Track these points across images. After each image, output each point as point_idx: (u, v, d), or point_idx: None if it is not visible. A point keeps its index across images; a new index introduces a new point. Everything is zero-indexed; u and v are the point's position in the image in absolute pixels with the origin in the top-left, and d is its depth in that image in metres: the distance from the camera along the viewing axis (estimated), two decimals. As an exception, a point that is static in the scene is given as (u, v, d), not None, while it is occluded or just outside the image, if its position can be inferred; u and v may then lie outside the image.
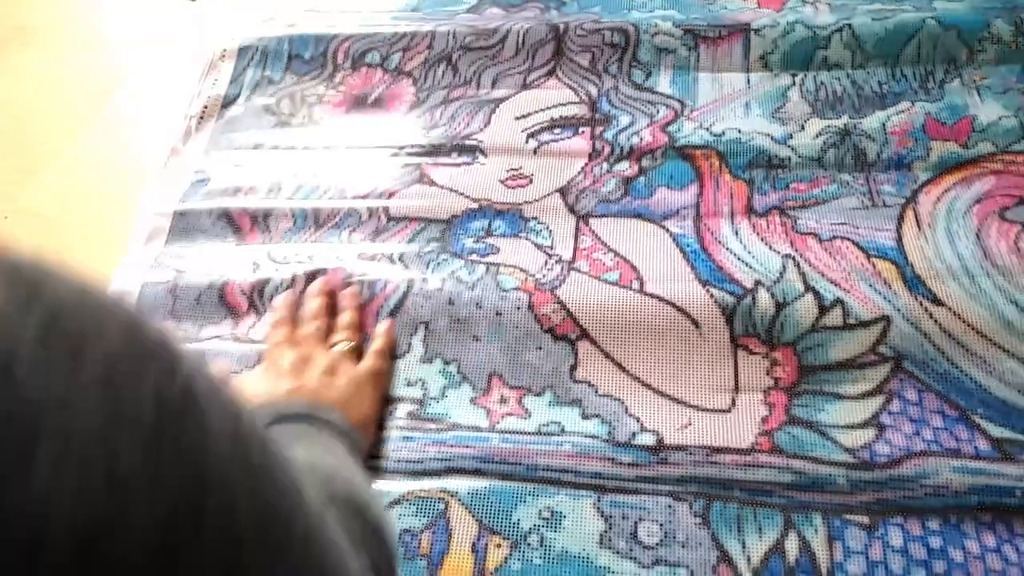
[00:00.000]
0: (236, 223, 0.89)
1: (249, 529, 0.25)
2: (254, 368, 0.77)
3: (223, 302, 0.83)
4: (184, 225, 0.90)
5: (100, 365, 0.22)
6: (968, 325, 0.73)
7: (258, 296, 0.83)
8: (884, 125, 0.90)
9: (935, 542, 0.62)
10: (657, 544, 0.63)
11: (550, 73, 0.99)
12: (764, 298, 0.76)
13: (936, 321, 0.73)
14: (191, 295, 0.84)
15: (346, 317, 0.80)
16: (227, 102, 1.00)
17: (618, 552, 0.63)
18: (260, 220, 0.89)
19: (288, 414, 0.65)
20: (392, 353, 0.78)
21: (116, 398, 0.22)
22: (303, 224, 0.88)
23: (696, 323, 0.75)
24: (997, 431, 0.67)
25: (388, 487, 0.68)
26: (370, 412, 0.72)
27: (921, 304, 0.74)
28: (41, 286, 0.22)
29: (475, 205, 0.87)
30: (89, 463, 0.21)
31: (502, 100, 0.97)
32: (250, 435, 0.27)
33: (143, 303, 0.84)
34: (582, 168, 0.90)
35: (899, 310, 0.74)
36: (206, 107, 1.00)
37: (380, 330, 0.78)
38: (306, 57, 1.03)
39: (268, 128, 0.98)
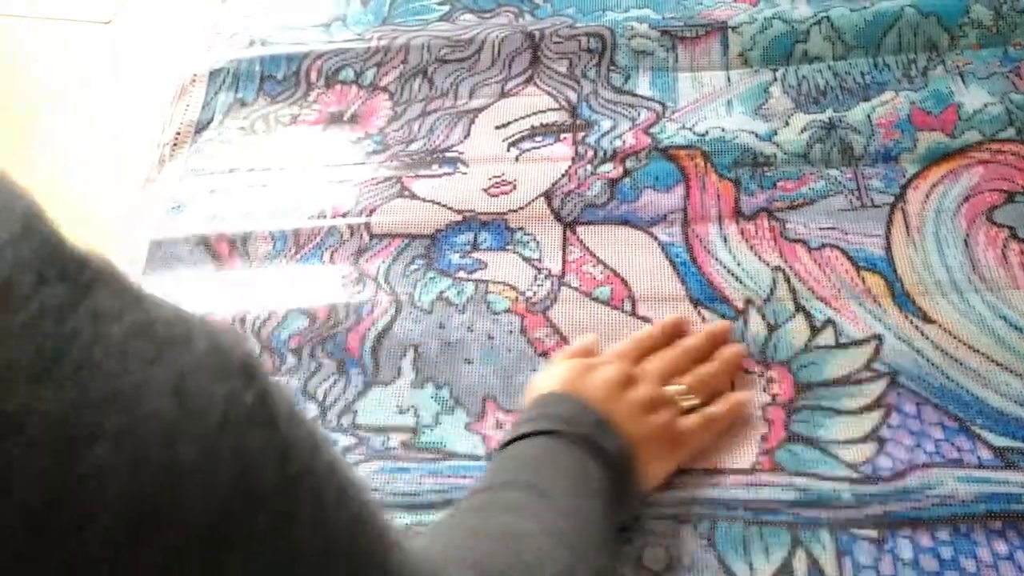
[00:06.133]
0: (214, 249, 0.87)
1: (307, 544, 0.26)
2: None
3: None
4: (161, 255, 0.87)
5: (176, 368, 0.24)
6: (960, 341, 0.72)
7: (239, 325, 0.80)
8: (869, 117, 0.89)
9: (946, 553, 0.61)
10: (663, 570, 0.62)
11: (528, 81, 0.97)
12: (756, 320, 0.75)
13: (928, 338, 0.73)
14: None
15: (706, 368, 0.69)
16: (200, 127, 0.98)
17: (624, 580, 0.62)
18: (239, 245, 0.87)
19: (551, 429, 0.57)
20: (725, 425, 0.68)
21: (185, 399, 0.24)
22: (283, 246, 0.86)
23: (690, 345, 0.74)
24: (998, 440, 0.66)
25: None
26: (664, 472, 0.64)
27: (911, 322, 0.74)
28: (142, 294, 0.25)
29: (459, 217, 0.86)
30: (148, 448, 0.23)
31: (481, 110, 0.95)
32: (328, 472, 0.28)
33: None
34: (566, 171, 0.88)
35: (890, 328, 0.74)
36: (178, 134, 0.97)
37: (731, 398, 0.69)
38: (279, 77, 1.01)
39: (243, 151, 0.95)
